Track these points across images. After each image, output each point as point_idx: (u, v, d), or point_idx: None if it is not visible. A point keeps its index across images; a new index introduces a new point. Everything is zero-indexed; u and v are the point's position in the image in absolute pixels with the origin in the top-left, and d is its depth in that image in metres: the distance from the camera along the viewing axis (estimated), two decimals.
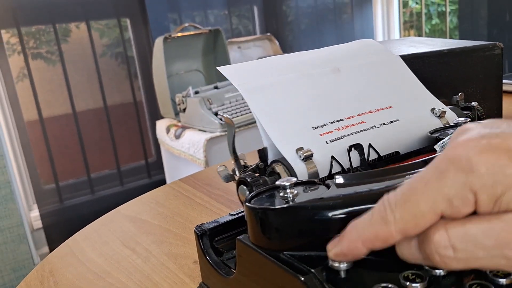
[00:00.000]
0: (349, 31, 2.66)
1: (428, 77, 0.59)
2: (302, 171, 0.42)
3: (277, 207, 0.34)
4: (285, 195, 0.35)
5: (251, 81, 0.49)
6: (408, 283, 0.28)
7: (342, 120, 0.48)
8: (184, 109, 1.77)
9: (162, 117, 1.99)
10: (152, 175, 2.21)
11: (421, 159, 0.38)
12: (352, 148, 0.44)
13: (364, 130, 0.47)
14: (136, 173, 2.19)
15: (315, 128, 0.46)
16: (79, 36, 2.06)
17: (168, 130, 1.84)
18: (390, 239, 0.27)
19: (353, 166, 0.44)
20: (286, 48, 2.39)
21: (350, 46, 0.57)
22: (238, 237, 0.37)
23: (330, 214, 0.33)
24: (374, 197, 0.33)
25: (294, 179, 0.35)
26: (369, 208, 0.30)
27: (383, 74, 0.54)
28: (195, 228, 0.44)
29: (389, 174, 0.36)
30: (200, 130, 1.70)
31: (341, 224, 0.32)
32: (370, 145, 0.46)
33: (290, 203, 0.34)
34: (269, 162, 0.45)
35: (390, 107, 0.51)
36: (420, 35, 2.48)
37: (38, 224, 1.99)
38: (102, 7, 2.05)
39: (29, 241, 1.72)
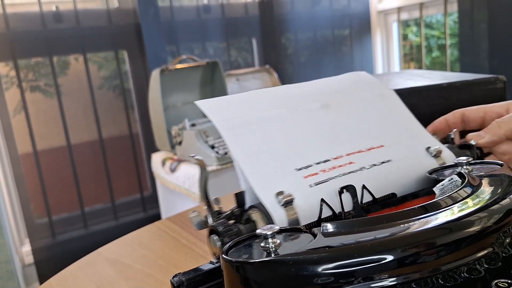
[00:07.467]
0: (348, 64, 2.65)
1: (426, 112, 0.56)
2: (281, 218, 0.38)
3: (256, 260, 0.30)
4: (267, 246, 0.31)
5: (231, 118, 0.44)
6: None
7: (329, 160, 0.43)
8: (180, 142, 1.74)
9: (158, 150, 1.96)
10: (147, 209, 2.16)
11: (420, 205, 0.34)
12: (344, 190, 0.41)
13: (352, 172, 0.43)
14: (131, 207, 2.14)
15: (299, 169, 0.42)
16: (78, 69, 2.05)
17: (163, 163, 1.81)
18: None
19: (345, 210, 0.40)
20: (285, 80, 2.37)
21: (341, 79, 0.54)
22: None
23: (315, 269, 0.29)
24: (364, 250, 0.29)
25: (277, 227, 0.32)
26: (358, 261, 0.28)
27: (375, 110, 0.50)
28: (172, 278, 0.40)
29: (383, 223, 0.32)
30: (196, 164, 1.66)
31: (328, 279, 0.28)
32: (364, 187, 0.42)
33: (272, 255, 0.30)
34: (246, 207, 0.41)
35: (382, 146, 0.46)
36: (420, 67, 2.47)
37: (30, 259, 1.93)
38: (99, 39, 2.04)
39: (19, 277, 1.66)
